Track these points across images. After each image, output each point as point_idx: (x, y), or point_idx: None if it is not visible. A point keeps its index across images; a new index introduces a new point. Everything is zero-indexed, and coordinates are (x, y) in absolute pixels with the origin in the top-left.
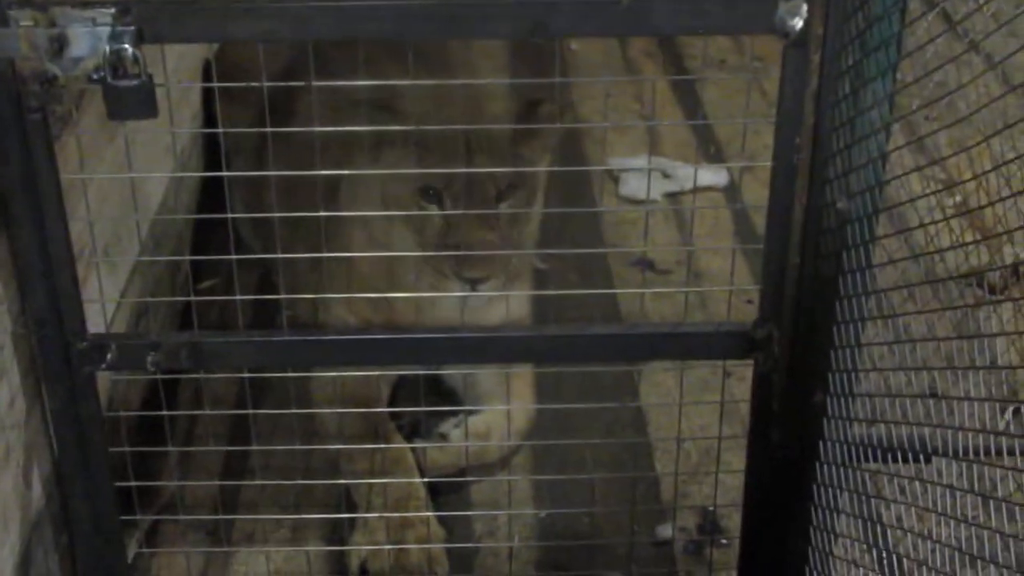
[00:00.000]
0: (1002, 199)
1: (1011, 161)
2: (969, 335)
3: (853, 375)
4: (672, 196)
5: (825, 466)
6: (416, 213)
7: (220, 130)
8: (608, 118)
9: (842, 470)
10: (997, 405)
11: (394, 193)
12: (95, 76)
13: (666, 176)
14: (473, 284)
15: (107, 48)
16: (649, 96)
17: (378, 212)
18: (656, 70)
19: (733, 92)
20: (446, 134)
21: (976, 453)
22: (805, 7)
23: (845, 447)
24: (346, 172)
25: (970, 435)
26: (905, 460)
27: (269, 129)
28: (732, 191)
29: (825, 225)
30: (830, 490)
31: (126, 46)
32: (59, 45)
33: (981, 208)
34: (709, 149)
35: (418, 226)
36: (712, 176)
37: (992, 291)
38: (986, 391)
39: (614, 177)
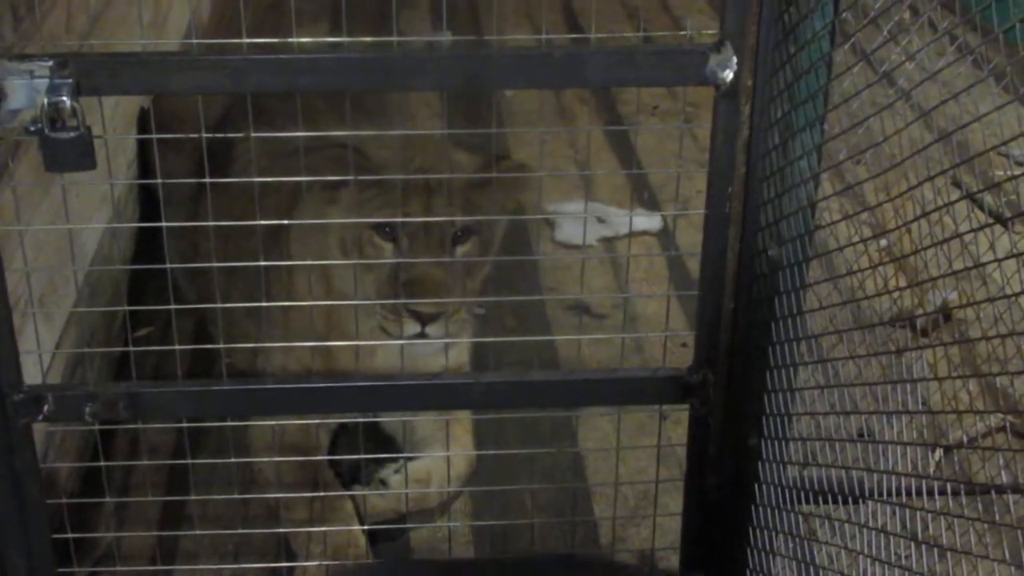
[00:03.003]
0: (923, 248)
1: (932, 212)
2: (895, 380)
3: (787, 419)
4: (607, 241)
5: (760, 508)
6: (372, 262)
7: (158, 181)
8: (543, 163)
9: (777, 512)
10: (926, 446)
11: (349, 229)
12: (32, 128)
13: (601, 221)
14: (423, 322)
15: (45, 100)
16: (583, 142)
17: (326, 255)
18: (590, 115)
19: (666, 137)
20: (408, 173)
21: (907, 494)
22: (735, 59)
23: (780, 490)
24: (283, 222)
25: (901, 477)
26: (837, 502)
27: (207, 180)
28: (666, 235)
29: (758, 272)
30: (766, 532)
31: (64, 99)
32: None
33: (904, 257)
34: (643, 194)
35: (371, 263)
36: (646, 221)
37: (922, 334)
38: (916, 433)
39: (550, 222)
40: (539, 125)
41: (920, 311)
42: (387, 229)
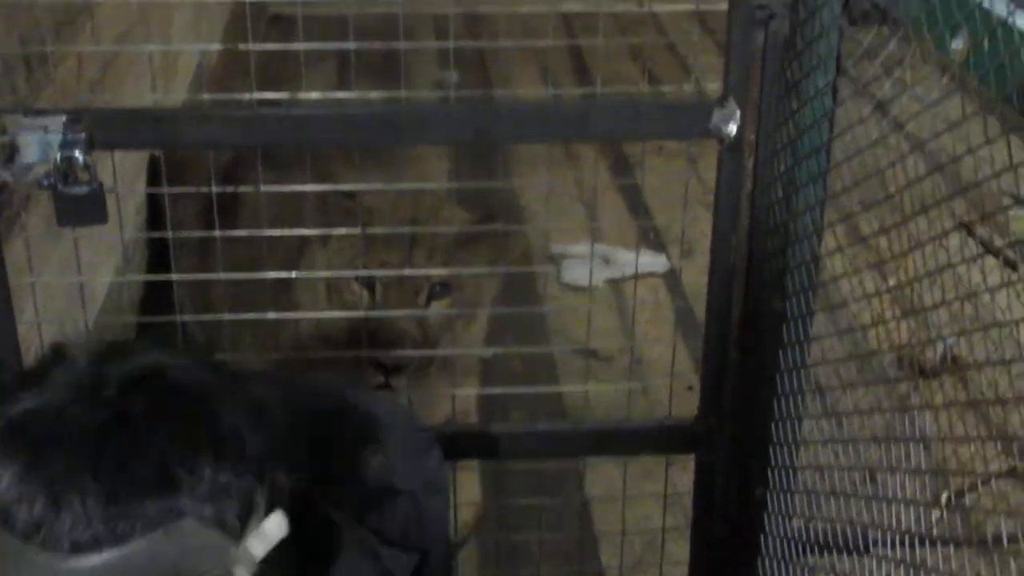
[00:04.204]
0: (941, 306)
1: (944, 268)
2: (898, 438)
3: (792, 471)
4: (614, 282)
5: (766, 560)
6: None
7: (168, 233)
8: (549, 204)
9: (783, 565)
10: (928, 494)
11: (336, 274)
12: (45, 182)
13: (607, 262)
14: (384, 373)
15: (58, 155)
16: (590, 183)
17: (316, 297)
18: (596, 156)
19: (671, 177)
20: (394, 224)
21: (912, 544)
22: (738, 113)
23: (785, 542)
24: (277, 275)
25: (909, 521)
26: (842, 553)
27: (216, 232)
28: (672, 276)
29: (762, 323)
30: None
31: (76, 154)
32: (10, 152)
33: (917, 314)
34: (649, 235)
35: (349, 309)
36: (652, 262)
37: (927, 376)
38: (919, 483)
39: (556, 264)
40: (545, 166)
41: (925, 354)
42: (366, 277)
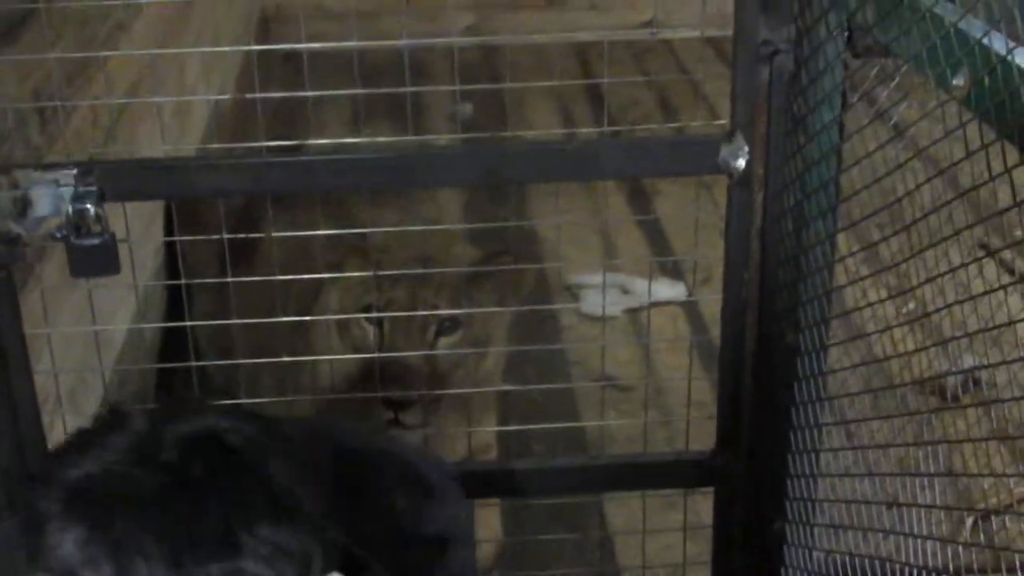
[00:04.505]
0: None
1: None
2: (916, 473)
3: (811, 503)
4: (632, 312)
5: None
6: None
7: (182, 281)
8: (562, 235)
9: None
10: (952, 520)
11: (346, 311)
12: (58, 235)
13: (625, 292)
14: (393, 409)
15: (70, 208)
16: (606, 213)
17: (327, 333)
18: (613, 185)
19: (687, 204)
20: (402, 261)
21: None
22: (746, 148)
23: (806, 574)
24: (287, 320)
25: (928, 556)
26: None
27: (229, 279)
28: (691, 305)
29: (776, 357)
30: None
31: (88, 206)
32: (23, 206)
33: (923, 315)
34: (667, 264)
35: (358, 346)
36: (670, 291)
37: (951, 400)
38: (943, 509)
39: (574, 294)
40: (562, 197)
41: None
42: (373, 311)
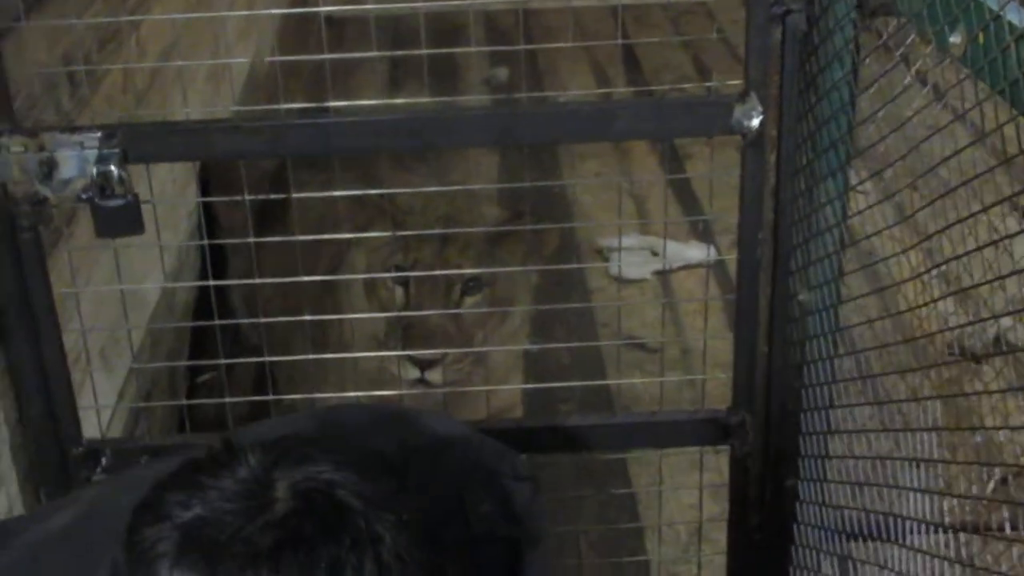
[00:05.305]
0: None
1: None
2: (931, 427)
3: (823, 460)
4: (661, 274)
5: (800, 549)
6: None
7: (206, 242)
8: (598, 197)
9: (816, 554)
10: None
11: (372, 271)
12: (83, 196)
13: (655, 254)
14: (420, 368)
15: (94, 170)
16: (637, 175)
17: (353, 294)
18: (645, 147)
19: (718, 166)
20: (427, 221)
21: (954, 530)
22: (760, 108)
23: (818, 531)
24: (313, 279)
25: (945, 511)
26: (878, 540)
27: (252, 240)
28: (720, 266)
29: (789, 316)
30: (805, 573)
31: (112, 168)
32: (48, 168)
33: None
34: (698, 225)
35: (385, 306)
36: (699, 253)
37: (976, 361)
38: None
39: (605, 257)
40: (595, 159)
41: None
42: (399, 271)
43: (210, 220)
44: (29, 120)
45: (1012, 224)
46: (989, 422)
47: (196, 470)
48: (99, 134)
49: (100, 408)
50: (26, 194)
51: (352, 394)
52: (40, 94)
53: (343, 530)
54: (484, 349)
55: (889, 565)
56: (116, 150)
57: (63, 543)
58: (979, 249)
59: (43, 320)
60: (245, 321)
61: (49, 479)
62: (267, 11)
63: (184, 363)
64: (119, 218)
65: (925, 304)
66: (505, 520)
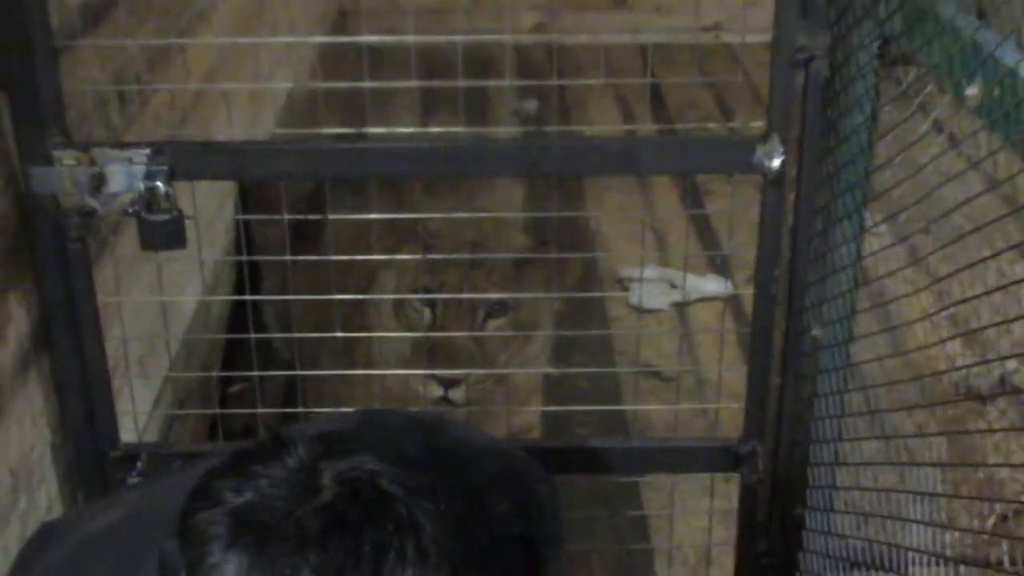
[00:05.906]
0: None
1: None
2: (935, 463)
3: (831, 491)
4: (679, 306)
5: None
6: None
7: (245, 258)
8: (618, 230)
9: None
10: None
11: (401, 292)
12: (130, 210)
13: (673, 286)
14: (444, 387)
15: (142, 186)
16: (659, 209)
17: (383, 313)
18: (667, 182)
19: (737, 203)
20: (456, 246)
21: (961, 562)
22: (781, 149)
23: (824, 559)
24: (344, 298)
25: (947, 545)
26: (879, 569)
27: (287, 258)
28: (736, 300)
29: (802, 350)
30: None
31: (159, 184)
32: (98, 182)
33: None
34: (716, 260)
35: (412, 326)
36: (717, 286)
37: (981, 401)
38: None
39: (625, 287)
40: (618, 192)
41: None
42: (427, 292)
43: (246, 238)
44: (80, 135)
45: (1020, 270)
46: (992, 460)
47: (247, 460)
48: (148, 151)
49: (137, 414)
50: (76, 206)
51: None
52: (91, 110)
53: (386, 516)
54: (506, 371)
55: None
56: (164, 167)
57: (107, 543)
58: (988, 293)
59: (87, 327)
60: (277, 336)
61: (87, 480)
62: (308, 38)
63: (217, 374)
64: (164, 232)
65: (934, 344)
66: (524, 521)
